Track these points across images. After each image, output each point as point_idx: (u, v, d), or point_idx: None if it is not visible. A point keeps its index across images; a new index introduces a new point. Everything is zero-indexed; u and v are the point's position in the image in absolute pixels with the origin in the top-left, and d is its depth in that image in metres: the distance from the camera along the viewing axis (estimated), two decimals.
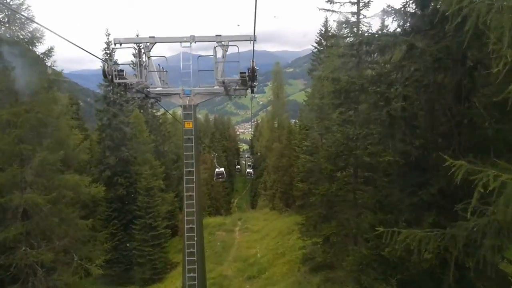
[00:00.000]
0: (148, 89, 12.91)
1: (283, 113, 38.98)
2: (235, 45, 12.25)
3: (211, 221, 40.04)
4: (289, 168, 35.94)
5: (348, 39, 13.99)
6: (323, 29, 41.00)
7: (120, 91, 30.28)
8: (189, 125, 12.94)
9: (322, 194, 15.34)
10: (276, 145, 38.67)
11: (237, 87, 13.03)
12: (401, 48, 9.66)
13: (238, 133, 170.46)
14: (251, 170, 73.89)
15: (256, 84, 13.24)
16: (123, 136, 30.30)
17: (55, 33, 7.82)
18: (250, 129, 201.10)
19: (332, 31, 39.79)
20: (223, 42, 12.57)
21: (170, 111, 60.07)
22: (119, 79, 11.67)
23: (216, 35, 12.58)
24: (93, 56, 10.60)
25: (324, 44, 41.41)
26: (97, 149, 30.16)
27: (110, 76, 11.68)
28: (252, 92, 13.98)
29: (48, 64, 17.90)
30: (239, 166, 70.02)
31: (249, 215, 43.75)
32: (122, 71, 11.96)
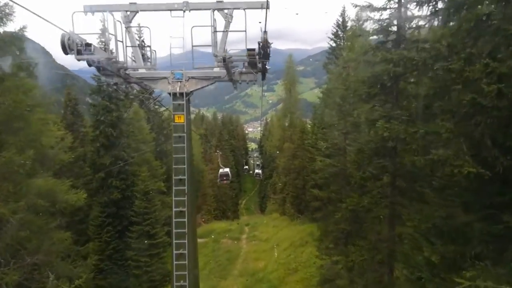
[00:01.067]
0: (127, 71, 9.88)
1: (296, 110, 35.78)
2: (241, 9, 9.14)
3: (216, 227, 37.08)
4: (301, 171, 32.73)
5: (383, 11, 10.79)
6: (340, 19, 37.73)
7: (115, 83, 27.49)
8: (180, 119, 9.88)
9: (350, 208, 12.14)
10: (287, 145, 35.49)
11: (244, 69, 9.90)
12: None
13: (247, 132, 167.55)
14: (260, 171, 70.84)
15: (268, 67, 10.14)
16: (120, 133, 27.39)
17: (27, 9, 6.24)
18: (259, 128, 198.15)
19: (351, 20, 36.57)
20: (225, 11, 9.48)
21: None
22: (83, 54, 8.61)
23: (217, 1, 9.47)
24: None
25: (341, 35, 38.15)
26: (90, 148, 27.27)
27: (73, 52, 8.66)
28: (263, 77, 10.85)
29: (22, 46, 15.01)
30: (247, 167, 66.93)
31: (257, 220, 40.69)
32: (90, 45, 8.89)
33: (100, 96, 26.82)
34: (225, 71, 9.67)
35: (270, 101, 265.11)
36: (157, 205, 27.10)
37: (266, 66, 10.13)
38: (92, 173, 27.24)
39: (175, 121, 9.97)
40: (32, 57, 16.33)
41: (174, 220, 9.95)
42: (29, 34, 16.30)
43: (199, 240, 35.96)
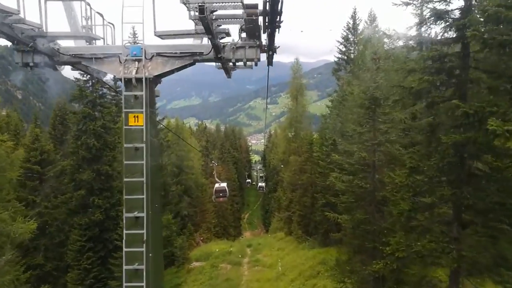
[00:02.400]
0: (54, 45, 6.18)
1: (302, 120, 32.04)
2: None
3: (215, 249, 32.97)
4: (310, 187, 28.75)
5: None
6: (351, 22, 34.29)
7: (98, 87, 23.94)
8: (137, 120, 6.20)
9: (396, 254, 8.25)
10: (293, 158, 31.61)
11: (240, 41, 6.17)
12: None
13: (250, 144, 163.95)
14: (263, 184, 66.87)
15: (277, 46, 6.47)
16: (105, 145, 23.74)
17: None
18: (262, 140, 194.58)
19: (365, 21, 33.09)
20: None
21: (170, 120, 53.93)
22: None
23: None
24: None
25: (352, 39, 34.67)
26: (70, 162, 23.53)
27: None
28: (270, 61, 7.16)
29: None
30: (249, 180, 62.70)
31: (261, 241, 36.49)
32: None
33: (82, 103, 23.25)
34: (209, 44, 5.96)
35: (274, 114, 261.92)
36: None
37: (275, 45, 6.48)
38: (72, 190, 23.52)
39: (129, 124, 6.24)
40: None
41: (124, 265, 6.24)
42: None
43: (195, 264, 31.91)
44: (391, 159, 12.08)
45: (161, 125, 35.53)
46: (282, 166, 33.31)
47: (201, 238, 40.66)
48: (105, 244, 23.63)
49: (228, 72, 7.41)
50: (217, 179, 25.76)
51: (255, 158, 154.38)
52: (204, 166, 57.17)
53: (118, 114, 27.90)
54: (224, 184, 24.66)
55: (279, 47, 6.63)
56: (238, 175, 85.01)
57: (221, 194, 24.14)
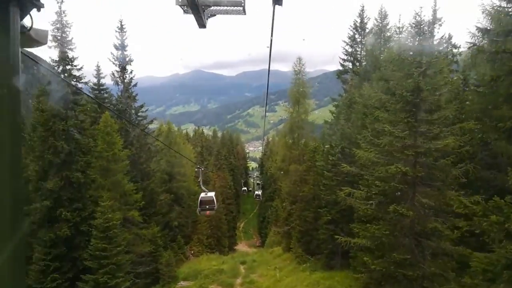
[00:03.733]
0: None
1: (304, 125, 28.62)
2: None
3: (204, 266, 29.30)
4: (313, 200, 25.26)
5: None
6: (358, 20, 31.11)
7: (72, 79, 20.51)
8: None
9: None
10: (294, 167, 28.13)
11: None
12: None
13: (247, 151, 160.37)
14: (260, 192, 63.26)
15: None
16: (77, 148, 20.24)
17: None
18: (260, 148, 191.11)
19: (375, 18, 29.88)
20: None
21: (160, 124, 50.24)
22: None
23: None
24: None
25: (359, 40, 31.46)
26: (35, 167, 19.94)
27: None
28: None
29: None
30: (245, 188, 58.91)
31: (256, 257, 32.79)
32: None
33: (50, 99, 19.78)
34: None
35: (272, 121, 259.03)
36: (121, 245, 19.59)
37: None
38: (37, 201, 19.89)
39: None
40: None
41: None
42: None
43: (182, 284, 28.16)
44: (439, 173, 8.70)
45: (147, 129, 32.08)
46: (282, 173, 29.68)
47: (192, 252, 36.95)
48: (74, 264, 19.99)
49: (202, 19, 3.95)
50: (203, 187, 21.09)
51: (253, 165, 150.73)
52: (198, 173, 53.63)
53: (99, 114, 24.46)
54: (211, 194, 20.22)
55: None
56: (235, 183, 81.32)
57: (207, 206, 19.57)
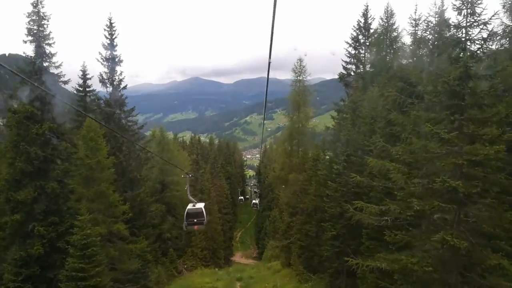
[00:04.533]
0: None
1: (305, 131, 26.55)
2: None
3: (197, 283, 26.95)
4: (314, 213, 23.11)
5: None
6: (362, 20, 29.34)
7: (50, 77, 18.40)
8: None
9: None
10: (293, 177, 26.00)
11: None
12: None
13: (245, 158, 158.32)
14: (257, 201, 60.93)
15: None
16: (54, 155, 18.07)
17: None
18: (257, 155, 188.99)
19: (379, 18, 28.10)
20: None
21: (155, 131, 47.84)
22: None
23: None
24: None
25: (362, 41, 29.67)
26: (5, 176, 17.69)
27: None
28: None
29: None
30: (242, 197, 56.59)
31: (253, 273, 30.41)
32: None
33: (24, 99, 17.66)
34: None
35: (269, 129, 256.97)
36: (101, 265, 17.31)
37: None
38: (9, 214, 17.64)
39: None
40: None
41: None
42: None
43: None
44: (491, 188, 6.67)
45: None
46: (283, 186, 27.49)
47: (185, 266, 34.56)
48: (49, 286, 17.66)
49: None
50: (190, 197, 17.88)
51: (250, 173, 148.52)
52: (193, 182, 51.38)
53: (81, 118, 22.34)
54: (200, 205, 17.31)
55: None
56: (231, 191, 78.97)
57: (195, 220, 16.53)
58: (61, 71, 19.18)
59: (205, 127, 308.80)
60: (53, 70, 18.87)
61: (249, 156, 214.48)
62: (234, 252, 71.23)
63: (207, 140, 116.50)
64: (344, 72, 29.91)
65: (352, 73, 29.41)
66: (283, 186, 28.87)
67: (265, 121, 21.28)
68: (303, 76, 26.28)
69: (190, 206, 16.94)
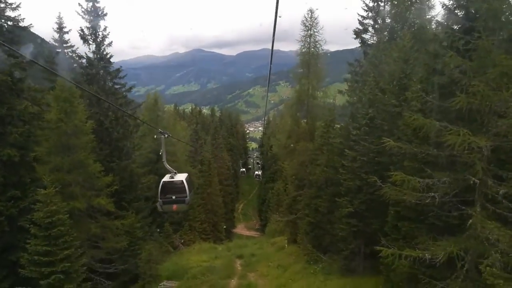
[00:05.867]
0: None
1: (317, 94, 22.73)
2: None
3: (193, 262, 24.18)
4: (326, 186, 19.83)
5: None
6: None
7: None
8: None
9: None
10: (303, 145, 22.52)
11: None
12: None
13: (248, 131, 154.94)
14: (260, 172, 58.20)
15: None
16: (12, 114, 14.58)
17: None
18: (261, 128, 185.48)
19: None
20: None
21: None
22: None
23: None
24: None
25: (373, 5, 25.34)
26: None
27: None
28: None
29: None
30: (244, 169, 53.69)
31: (256, 250, 27.57)
32: None
33: None
34: None
35: (272, 101, 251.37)
36: (70, 247, 14.22)
37: None
38: None
39: None
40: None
41: None
42: None
43: (166, 284, 23.15)
44: None
45: None
46: (287, 151, 23.94)
47: (182, 241, 31.87)
48: (12, 270, 14.67)
49: None
50: (167, 165, 12.20)
51: (253, 145, 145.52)
52: (193, 152, 48.14)
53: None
54: (181, 177, 11.99)
55: None
56: (233, 163, 75.97)
57: (173, 197, 11.52)
58: (20, 14, 15.36)
59: (207, 99, 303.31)
60: (8, 13, 15.08)
61: (252, 129, 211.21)
62: (236, 224, 69.28)
63: (209, 112, 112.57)
64: (360, 27, 25.67)
65: (370, 29, 25.22)
66: (290, 157, 25.41)
67: (268, 94, 17.31)
68: (314, 29, 22.17)
69: (166, 177, 12.06)
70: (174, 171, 12.32)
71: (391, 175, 10.12)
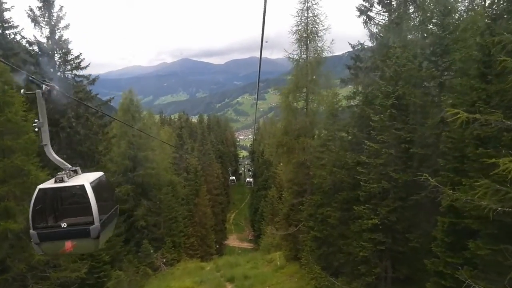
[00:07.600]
0: None
1: (320, 72, 18.52)
2: None
3: (176, 286, 19.55)
4: (335, 191, 15.61)
5: None
6: None
7: None
8: None
9: None
10: (302, 142, 18.30)
11: None
12: None
13: (238, 139, 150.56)
14: (251, 179, 53.85)
15: None
16: None
17: None
18: (250, 136, 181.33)
19: None
20: None
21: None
22: None
23: None
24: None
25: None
26: None
27: None
28: None
29: None
30: (233, 178, 49.22)
31: (249, 270, 22.95)
32: None
33: None
34: None
35: (261, 109, 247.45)
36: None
37: None
38: None
39: None
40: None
41: None
42: None
43: None
44: None
45: None
46: (284, 150, 19.52)
47: (164, 260, 27.14)
48: None
49: None
50: (53, 154, 5.34)
51: (243, 153, 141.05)
52: (178, 159, 43.52)
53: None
54: (81, 180, 5.24)
55: None
56: (223, 171, 71.35)
57: (63, 225, 4.88)
58: None
59: (197, 108, 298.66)
60: None
61: (242, 137, 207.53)
62: (227, 235, 64.52)
63: (195, 120, 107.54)
64: (364, 4, 21.81)
65: (376, 4, 21.37)
66: (286, 158, 21.09)
67: (258, 99, 13.07)
68: (313, 1, 18.17)
69: (49, 183, 5.21)
70: (70, 166, 5.47)
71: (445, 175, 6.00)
